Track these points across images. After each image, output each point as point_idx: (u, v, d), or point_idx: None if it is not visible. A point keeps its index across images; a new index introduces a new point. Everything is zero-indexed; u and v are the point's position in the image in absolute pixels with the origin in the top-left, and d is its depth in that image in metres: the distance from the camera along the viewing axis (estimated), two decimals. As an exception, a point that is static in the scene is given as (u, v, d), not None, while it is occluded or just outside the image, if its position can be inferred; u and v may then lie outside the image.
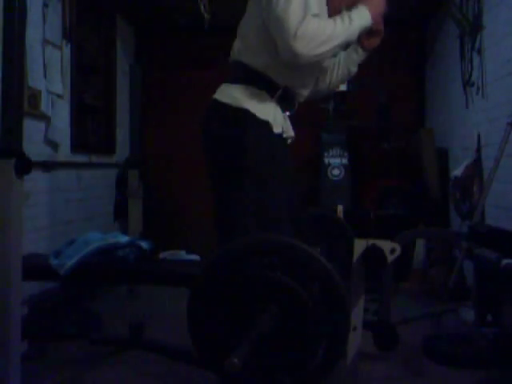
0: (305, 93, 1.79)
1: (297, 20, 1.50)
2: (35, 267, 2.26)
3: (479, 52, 3.46)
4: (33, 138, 3.15)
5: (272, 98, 1.66)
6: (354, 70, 1.93)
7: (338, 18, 1.59)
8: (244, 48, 1.69)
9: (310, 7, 1.53)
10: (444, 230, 3.92)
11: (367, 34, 1.84)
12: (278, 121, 1.67)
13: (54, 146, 3.48)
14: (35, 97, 3.16)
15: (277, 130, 1.67)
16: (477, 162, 3.38)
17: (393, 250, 1.75)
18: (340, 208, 3.71)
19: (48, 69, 3.32)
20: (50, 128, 3.38)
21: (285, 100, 1.69)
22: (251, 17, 1.72)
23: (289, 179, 1.74)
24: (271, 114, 1.65)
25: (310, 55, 1.52)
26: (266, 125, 1.64)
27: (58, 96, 3.48)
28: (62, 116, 3.56)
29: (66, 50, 3.64)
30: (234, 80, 1.70)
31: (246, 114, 1.63)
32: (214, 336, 1.38)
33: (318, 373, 1.39)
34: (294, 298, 1.33)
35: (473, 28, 3.51)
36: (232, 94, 1.67)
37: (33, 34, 3.10)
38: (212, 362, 1.44)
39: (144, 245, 2.46)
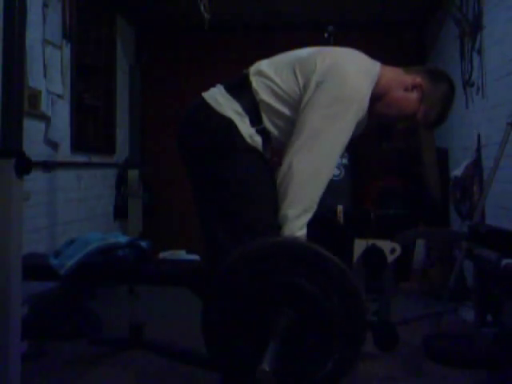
0: (278, 145, 1.72)
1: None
2: (35, 267, 2.26)
3: (479, 52, 3.46)
4: (33, 138, 3.15)
5: (252, 126, 1.61)
6: None
7: None
8: (266, 85, 1.63)
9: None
10: (444, 230, 3.91)
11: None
12: (258, 142, 1.62)
13: (54, 146, 3.48)
14: (35, 97, 3.16)
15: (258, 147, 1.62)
16: (477, 162, 3.39)
17: (393, 250, 1.75)
18: (340, 208, 3.71)
19: (48, 69, 3.32)
20: (50, 128, 3.38)
21: (261, 134, 1.63)
22: (294, 74, 1.61)
23: (273, 188, 1.68)
24: (246, 131, 1.60)
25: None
26: (242, 137, 1.60)
27: (58, 96, 3.48)
28: (62, 116, 3.56)
29: (66, 50, 3.64)
30: (229, 89, 1.65)
31: (229, 122, 1.59)
32: (229, 339, 1.37)
33: (333, 378, 1.39)
34: (312, 303, 1.32)
35: (473, 28, 3.51)
36: (219, 100, 1.62)
37: (33, 34, 3.10)
38: (229, 368, 1.43)
39: (144, 245, 2.46)
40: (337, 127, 1.52)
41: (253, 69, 1.68)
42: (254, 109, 1.62)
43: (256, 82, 1.63)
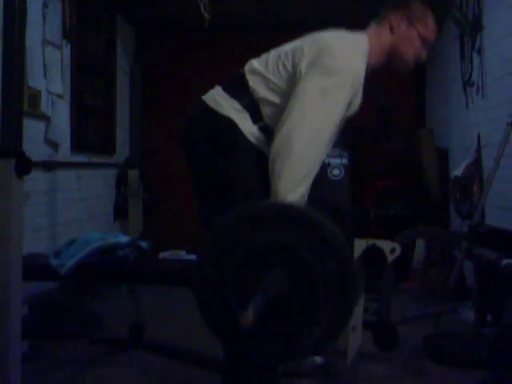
0: None
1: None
2: (35, 267, 2.26)
3: (479, 52, 3.46)
4: (33, 138, 3.15)
5: (253, 124, 1.62)
6: None
7: None
8: (261, 83, 1.64)
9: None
10: (444, 230, 3.92)
11: None
12: (260, 140, 1.63)
13: (54, 146, 3.48)
14: (35, 97, 3.16)
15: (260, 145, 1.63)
16: (477, 162, 3.39)
17: (393, 250, 1.75)
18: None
19: (48, 69, 3.32)
20: (50, 128, 3.38)
21: (263, 131, 1.64)
22: (285, 63, 1.62)
23: None
24: (248, 129, 1.62)
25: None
26: (244, 136, 1.61)
27: (58, 96, 3.48)
28: (62, 116, 3.56)
29: (66, 50, 3.64)
30: (227, 89, 1.67)
31: (230, 122, 1.61)
32: (220, 298, 1.37)
33: (317, 346, 1.39)
34: (304, 266, 1.32)
35: (473, 28, 3.51)
36: (218, 101, 1.64)
37: (33, 34, 3.10)
38: (218, 326, 1.43)
39: (144, 245, 2.46)
40: (332, 101, 1.52)
41: (247, 68, 1.70)
42: (253, 107, 1.63)
43: (252, 81, 1.65)
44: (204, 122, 1.68)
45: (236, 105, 1.63)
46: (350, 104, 1.60)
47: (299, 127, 1.49)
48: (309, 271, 1.32)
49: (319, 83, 1.51)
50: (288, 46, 1.67)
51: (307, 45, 1.59)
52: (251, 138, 1.61)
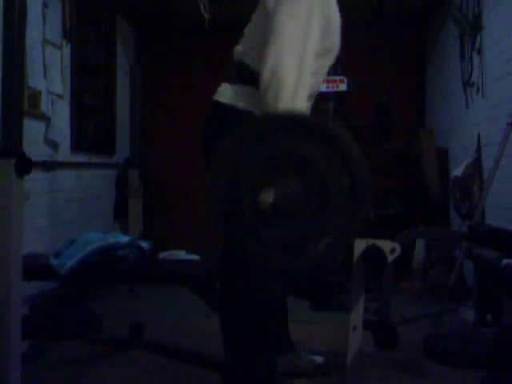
0: (312, 92, 1.78)
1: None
2: (35, 267, 2.26)
3: (479, 52, 3.46)
4: (33, 138, 3.15)
5: None
6: None
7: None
8: (249, 49, 1.69)
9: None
10: (444, 230, 3.92)
11: None
12: None
13: (54, 145, 3.48)
14: (35, 97, 3.17)
15: None
16: (477, 162, 3.39)
17: (393, 250, 1.75)
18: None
19: (48, 69, 3.32)
20: (50, 128, 3.38)
21: None
22: (257, 19, 1.70)
23: None
24: None
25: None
26: None
27: (58, 96, 3.48)
28: (62, 116, 3.56)
29: (66, 50, 3.64)
30: (233, 80, 1.71)
31: (243, 112, 1.63)
32: (233, 209, 1.38)
33: (322, 258, 1.40)
34: (317, 174, 1.32)
35: (473, 28, 3.51)
36: (230, 94, 1.68)
37: (33, 34, 3.10)
38: (231, 235, 1.43)
39: (144, 245, 2.46)
40: (303, 20, 1.52)
41: (237, 55, 1.74)
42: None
43: (250, 60, 1.67)
44: (219, 118, 1.70)
45: (247, 89, 1.65)
46: (327, 21, 1.61)
47: (281, 56, 1.49)
48: (322, 180, 1.32)
49: (287, 9, 1.52)
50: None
51: None
52: None
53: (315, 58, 1.58)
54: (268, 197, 1.24)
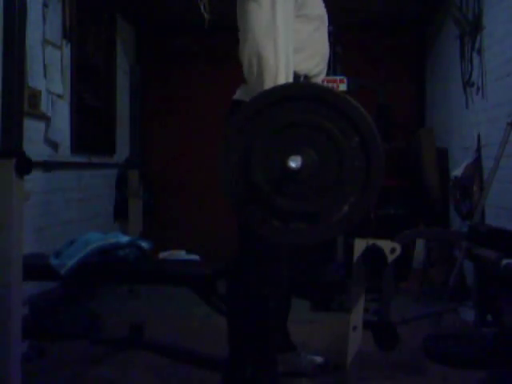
0: (321, 67, 1.84)
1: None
2: (35, 267, 2.26)
3: (479, 52, 3.46)
4: (33, 138, 3.15)
5: None
6: None
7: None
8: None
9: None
10: (444, 230, 3.92)
11: None
12: None
13: (54, 146, 3.48)
14: (35, 97, 3.16)
15: None
16: (477, 162, 3.38)
17: (393, 250, 1.75)
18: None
19: (48, 69, 3.32)
20: (49, 128, 3.38)
21: None
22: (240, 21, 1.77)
23: None
24: None
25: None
26: None
27: (58, 96, 3.48)
28: (62, 116, 3.56)
29: (66, 50, 3.64)
30: (244, 80, 1.78)
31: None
32: (248, 183, 1.39)
33: (347, 221, 1.41)
34: (332, 143, 1.35)
35: (473, 28, 3.51)
36: (245, 92, 1.74)
37: (33, 34, 3.10)
38: (244, 210, 1.43)
39: (144, 245, 2.46)
40: (269, 4, 1.60)
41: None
42: None
43: None
44: (228, 113, 1.78)
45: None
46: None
47: (255, 36, 1.59)
48: (337, 147, 1.35)
49: None
50: None
51: None
52: None
53: (307, 37, 1.70)
54: (298, 160, 1.26)
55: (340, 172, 1.35)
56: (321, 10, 1.82)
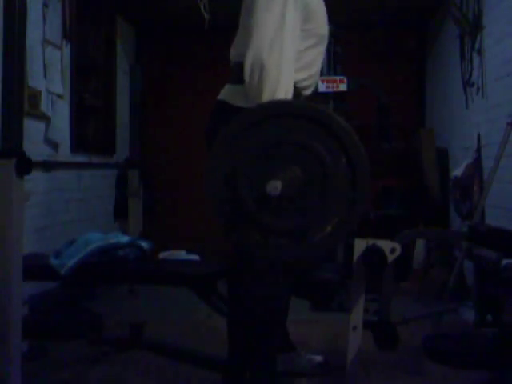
0: (310, 82, 1.81)
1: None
2: (35, 267, 2.26)
3: (479, 52, 3.46)
4: (33, 138, 3.15)
5: None
6: None
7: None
8: (241, 49, 1.72)
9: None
10: (444, 230, 3.92)
11: None
12: None
13: (54, 145, 3.48)
14: (35, 97, 3.16)
15: None
16: (477, 162, 3.38)
17: (393, 250, 1.75)
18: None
19: (48, 69, 3.32)
20: (49, 128, 3.38)
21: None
22: (243, 20, 1.77)
23: None
24: None
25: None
26: None
27: (58, 96, 3.48)
28: (62, 116, 3.56)
29: (66, 50, 3.64)
30: (233, 80, 1.75)
31: (237, 108, 1.66)
32: (235, 200, 1.39)
33: (330, 241, 1.42)
34: (318, 162, 1.35)
35: (473, 28, 3.51)
36: (230, 93, 1.73)
37: (33, 34, 3.10)
38: (232, 228, 1.44)
39: (144, 245, 2.45)
40: (281, 9, 1.59)
41: (233, 55, 1.80)
42: None
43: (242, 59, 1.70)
44: (221, 115, 1.75)
45: (243, 88, 1.67)
46: (308, 12, 1.67)
47: (261, 45, 1.57)
48: (322, 166, 1.34)
49: (264, 4, 1.60)
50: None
51: None
52: None
53: (303, 51, 1.66)
54: (276, 187, 1.25)
55: (325, 193, 1.36)
56: (323, 30, 1.78)
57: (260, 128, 1.38)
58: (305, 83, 1.78)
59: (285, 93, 1.56)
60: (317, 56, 1.79)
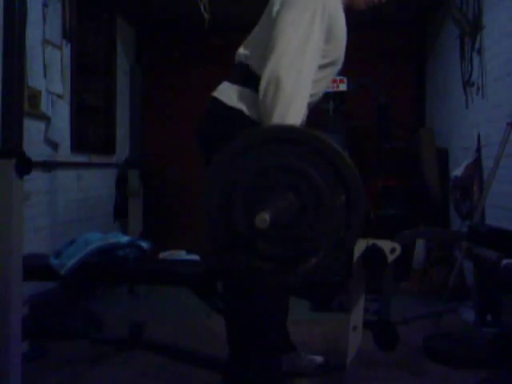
0: (313, 99, 1.79)
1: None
2: (35, 267, 2.26)
3: (479, 52, 3.46)
4: (33, 138, 3.15)
5: None
6: None
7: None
8: (253, 53, 1.71)
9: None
10: (444, 230, 3.92)
11: None
12: None
13: (54, 146, 3.48)
14: (35, 97, 3.16)
15: None
16: (477, 162, 3.38)
17: (393, 250, 1.75)
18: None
19: (48, 69, 3.32)
20: (49, 128, 3.38)
21: None
22: (264, 25, 1.72)
23: None
24: None
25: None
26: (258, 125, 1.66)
27: (58, 96, 3.48)
28: (62, 116, 3.56)
29: (66, 50, 3.64)
30: (235, 81, 1.73)
31: (240, 113, 1.65)
32: (229, 225, 1.38)
33: (311, 275, 1.41)
34: (314, 193, 1.33)
35: (473, 28, 3.51)
36: (229, 94, 1.70)
37: (33, 34, 3.10)
38: (227, 252, 1.43)
39: (144, 245, 2.46)
40: (305, 29, 1.56)
41: (241, 57, 1.75)
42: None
43: (253, 64, 1.69)
44: (216, 116, 1.73)
45: (247, 92, 1.67)
46: (330, 35, 1.63)
47: (281, 61, 1.53)
48: (317, 193, 1.32)
49: (290, 18, 1.57)
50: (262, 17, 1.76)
51: None
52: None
53: (317, 69, 1.61)
54: (265, 220, 1.22)
55: (319, 220, 1.34)
56: (341, 52, 1.75)
57: (257, 152, 1.36)
58: (309, 99, 1.77)
59: (296, 115, 1.52)
60: (328, 75, 1.75)
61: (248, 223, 1.32)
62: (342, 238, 1.35)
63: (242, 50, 1.77)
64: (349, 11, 1.79)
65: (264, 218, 1.21)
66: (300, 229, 1.35)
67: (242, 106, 1.65)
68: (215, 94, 1.75)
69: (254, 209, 1.27)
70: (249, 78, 1.68)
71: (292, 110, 1.51)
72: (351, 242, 1.39)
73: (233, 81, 1.74)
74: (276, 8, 1.64)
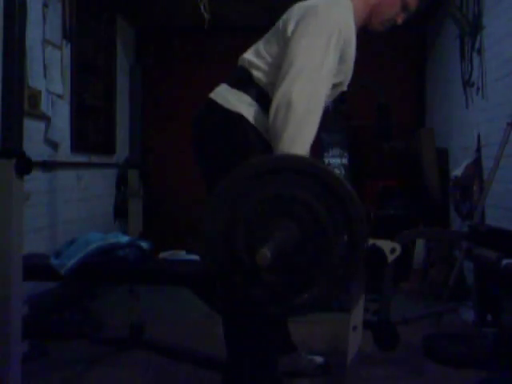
0: None
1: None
2: (35, 267, 2.26)
3: (479, 52, 3.46)
4: (33, 138, 3.15)
5: (264, 110, 1.65)
6: None
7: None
8: (260, 63, 1.70)
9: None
10: (444, 230, 3.92)
11: None
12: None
13: (54, 146, 3.48)
14: (35, 97, 3.16)
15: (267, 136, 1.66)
16: (477, 162, 3.38)
17: (393, 250, 1.75)
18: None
19: (48, 69, 3.32)
20: (49, 128, 3.38)
21: None
22: (276, 40, 1.71)
23: None
24: (261, 121, 1.66)
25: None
26: (256, 129, 1.65)
27: (58, 96, 3.48)
28: (62, 116, 3.56)
29: (66, 50, 3.64)
30: (234, 84, 1.71)
31: (240, 117, 1.65)
32: (230, 252, 1.37)
33: (302, 311, 1.41)
34: (313, 216, 1.31)
35: (473, 28, 3.51)
36: (227, 97, 1.69)
37: (33, 34, 3.10)
38: (227, 281, 1.43)
39: (144, 245, 2.45)
40: (321, 54, 1.56)
41: (244, 62, 1.75)
42: (263, 97, 1.67)
43: (255, 71, 1.69)
44: (213, 118, 1.71)
45: (246, 98, 1.66)
46: (341, 59, 1.66)
47: (294, 84, 1.52)
48: (319, 225, 1.31)
49: (306, 43, 1.57)
50: (275, 25, 1.75)
51: (295, 10, 1.67)
52: (262, 130, 1.64)
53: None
54: (266, 257, 1.21)
55: (319, 261, 1.33)
56: (346, 77, 1.79)
57: (261, 181, 1.34)
58: None
59: (306, 139, 1.51)
60: (333, 93, 1.77)
61: (249, 253, 1.31)
62: (340, 276, 1.34)
63: (247, 56, 1.75)
64: (361, 30, 1.80)
65: (265, 255, 1.20)
66: (299, 263, 1.34)
67: (241, 110, 1.65)
68: (212, 95, 1.74)
69: (256, 239, 1.27)
70: (249, 86, 1.68)
71: (302, 135, 1.50)
72: (349, 280, 1.38)
73: (232, 84, 1.73)
74: (291, 27, 1.62)
